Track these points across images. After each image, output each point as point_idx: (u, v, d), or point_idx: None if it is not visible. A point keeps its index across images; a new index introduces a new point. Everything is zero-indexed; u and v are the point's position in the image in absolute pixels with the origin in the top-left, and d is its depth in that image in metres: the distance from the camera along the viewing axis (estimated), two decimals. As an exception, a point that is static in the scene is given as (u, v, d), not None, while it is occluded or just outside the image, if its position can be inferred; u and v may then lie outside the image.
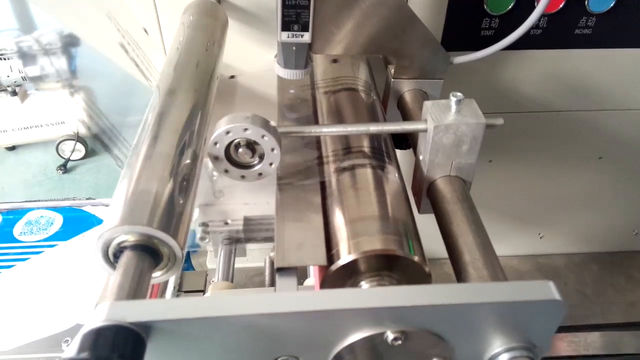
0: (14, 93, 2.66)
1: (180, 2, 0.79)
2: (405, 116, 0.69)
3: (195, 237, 0.99)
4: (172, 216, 0.43)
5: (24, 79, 2.65)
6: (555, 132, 1.04)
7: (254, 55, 0.84)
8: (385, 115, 0.70)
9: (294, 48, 0.61)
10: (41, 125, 2.75)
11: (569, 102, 0.98)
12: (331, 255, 0.46)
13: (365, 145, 0.59)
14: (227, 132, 0.51)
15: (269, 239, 1.00)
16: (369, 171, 0.55)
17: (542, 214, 1.20)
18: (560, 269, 1.24)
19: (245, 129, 0.51)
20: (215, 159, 0.52)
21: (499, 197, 1.13)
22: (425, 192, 0.58)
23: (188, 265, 1.21)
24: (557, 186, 1.15)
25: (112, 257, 0.43)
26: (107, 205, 1.14)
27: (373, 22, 0.63)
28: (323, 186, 0.54)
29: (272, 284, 0.98)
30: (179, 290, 1.08)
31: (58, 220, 1.16)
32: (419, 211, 0.60)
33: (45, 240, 1.10)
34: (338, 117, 0.63)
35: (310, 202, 0.52)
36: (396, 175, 0.56)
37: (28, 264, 1.07)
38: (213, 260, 1.17)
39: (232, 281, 0.97)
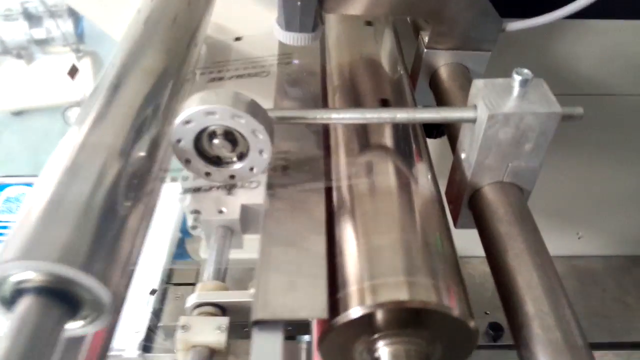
0: (20, 56, 2.53)
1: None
2: (441, 98, 0.53)
3: (186, 224, 0.86)
4: (102, 243, 0.29)
5: (29, 41, 2.51)
6: (608, 119, 0.86)
7: (254, 15, 0.68)
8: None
9: (298, 3, 0.45)
10: (47, 91, 2.62)
11: (630, 84, 0.81)
12: (335, 301, 0.31)
13: (388, 136, 0.43)
14: (188, 122, 0.35)
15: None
16: (392, 174, 0.39)
17: (582, 211, 1.04)
18: (598, 273, 1.08)
19: (212, 113, 0.35)
20: (186, 161, 0.37)
21: (534, 190, 0.96)
22: (467, 202, 0.43)
23: (182, 251, 1.08)
24: (601, 181, 0.98)
25: (10, 297, 0.28)
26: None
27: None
28: (329, 193, 0.39)
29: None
30: (168, 283, 0.95)
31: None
32: (455, 225, 0.45)
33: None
34: (354, 98, 0.48)
35: (311, 216, 0.37)
36: (429, 178, 0.41)
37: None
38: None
39: (224, 280, 0.84)
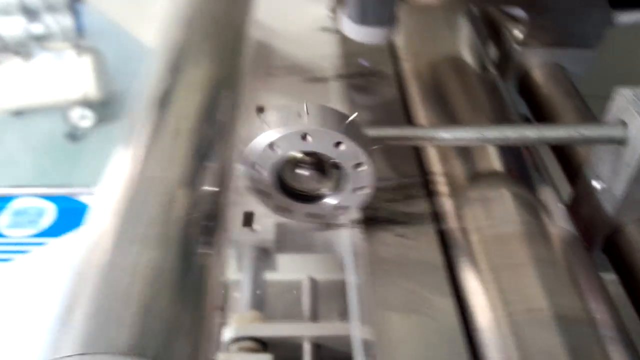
0: (17, 53, 2.45)
1: None
2: (539, 107, 0.45)
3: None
4: (180, 321, 0.21)
5: (28, 37, 2.43)
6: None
7: (294, 9, 0.60)
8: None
9: (378, -7, 0.37)
10: (46, 89, 2.55)
11: None
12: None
13: (497, 158, 0.35)
14: (272, 146, 0.27)
15: (308, 248, 0.78)
16: (516, 211, 0.31)
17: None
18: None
19: (304, 135, 0.27)
20: (259, 192, 0.29)
21: None
22: (601, 243, 0.34)
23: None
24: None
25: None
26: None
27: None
28: (440, 235, 0.31)
29: (314, 313, 0.76)
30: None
31: (50, 210, 0.96)
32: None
33: (34, 236, 0.90)
34: (445, 110, 0.39)
35: (426, 269, 0.28)
36: (560, 214, 0.32)
37: (11, 266, 0.87)
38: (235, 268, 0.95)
39: (261, 309, 0.76)
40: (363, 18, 0.38)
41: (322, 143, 0.27)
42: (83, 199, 0.95)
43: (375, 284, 0.29)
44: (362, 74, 0.44)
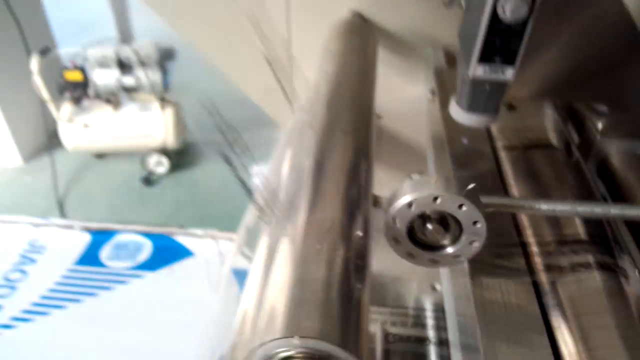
0: (108, 101, 2.70)
1: (320, 21, 0.66)
2: (614, 187, 0.52)
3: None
4: (349, 319, 0.29)
5: (119, 88, 2.68)
6: None
7: (399, 91, 0.70)
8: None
9: (487, 87, 0.46)
10: (130, 136, 2.77)
11: None
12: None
13: (584, 233, 0.42)
14: (410, 205, 0.36)
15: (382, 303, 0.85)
16: (599, 273, 0.38)
17: None
18: None
19: (436, 198, 0.36)
20: (394, 241, 0.38)
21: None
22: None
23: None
24: None
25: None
26: (199, 237, 1.05)
27: (586, 50, 0.47)
28: (535, 287, 0.38)
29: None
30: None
31: (147, 247, 1.07)
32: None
33: (133, 268, 1.01)
34: (535, 184, 0.47)
35: (526, 313, 0.36)
36: (635, 274, 0.39)
37: (112, 295, 0.98)
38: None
39: None
40: (472, 107, 0.47)
41: (448, 205, 0.36)
42: (177, 237, 1.05)
43: (480, 320, 0.36)
44: (463, 150, 0.53)
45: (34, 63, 2.47)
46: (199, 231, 1.10)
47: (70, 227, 1.08)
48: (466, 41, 0.45)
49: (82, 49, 2.59)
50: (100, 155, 2.98)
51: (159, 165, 2.88)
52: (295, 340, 0.27)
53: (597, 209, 0.38)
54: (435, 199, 0.36)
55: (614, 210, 0.38)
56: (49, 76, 2.56)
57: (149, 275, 1.02)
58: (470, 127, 0.49)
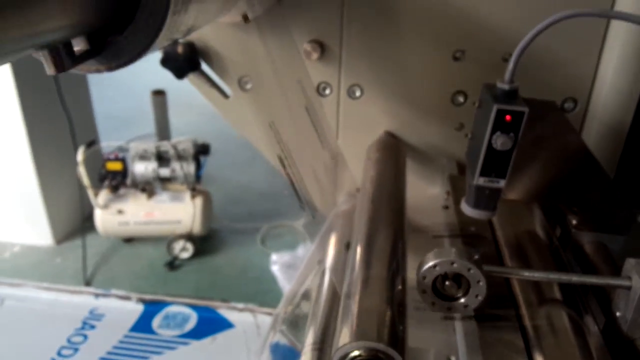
0: (143, 190, 2.95)
1: (362, 136, 0.89)
2: (586, 267, 0.71)
3: None
4: (396, 335, 0.48)
5: (155, 178, 2.94)
6: None
7: (421, 190, 0.91)
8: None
9: (487, 192, 0.67)
10: (160, 223, 2.98)
11: None
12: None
13: (557, 290, 0.61)
14: (435, 266, 0.55)
15: None
16: (568, 324, 0.56)
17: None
18: None
19: (452, 263, 0.55)
20: (422, 292, 0.56)
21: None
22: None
23: None
24: None
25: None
26: (240, 310, 1.20)
27: (558, 169, 0.68)
28: (522, 331, 0.56)
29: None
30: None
31: (193, 318, 1.23)
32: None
33: (180, 337, 1.16)
34: (524, 261, 0.66)
35: (511, 343, 0.54)
36: (596, 328, 0.57)
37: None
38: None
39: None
40: (477, 205, 0.68)
41: (461, 268, 0.55)
42: (220, 310, 1.20)
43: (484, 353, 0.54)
44: (471, 235, 0.72)
45: (80, 153, 2.75)
46: (239, 305, 1.26)
47: (127, 298, 1.23)
48: (471, 160, 0.66)
49: (126, 143, 2.89)
50: (129, 240, 3.18)
51: (184, 250, 3.06)
52: (361, 343, 0.45)
53: (563, 277, 0.57)
54: (452, 263, 0.55)
55: (575, 278, 0.57)
56: (91, 165, 2.83)
57: (195, 344, 1.17)
58: (476, 219, 0.69)
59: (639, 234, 0.74)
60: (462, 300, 0.56)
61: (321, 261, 0.98)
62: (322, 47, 0.86)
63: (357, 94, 0.90)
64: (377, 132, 0.90)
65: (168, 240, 3.06)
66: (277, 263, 2.95)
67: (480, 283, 0.55)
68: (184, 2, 0.48)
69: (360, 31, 0.85)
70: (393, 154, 0.83)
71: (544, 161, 0.67)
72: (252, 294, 2.68)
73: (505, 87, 0.61)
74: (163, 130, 3.21)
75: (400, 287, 0.54)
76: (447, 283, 0.56)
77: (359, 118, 0.91)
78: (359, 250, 0.59)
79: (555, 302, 0.59)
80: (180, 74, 0.86)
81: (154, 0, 0.42)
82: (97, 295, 1.19)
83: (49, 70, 0.37)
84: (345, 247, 0.82)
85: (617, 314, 0.58)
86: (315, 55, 0.86)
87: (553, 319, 0.56)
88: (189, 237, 3.04)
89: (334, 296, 0.78)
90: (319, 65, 0.88)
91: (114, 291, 1.24)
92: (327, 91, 0.90)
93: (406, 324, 0.51)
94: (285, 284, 2.76)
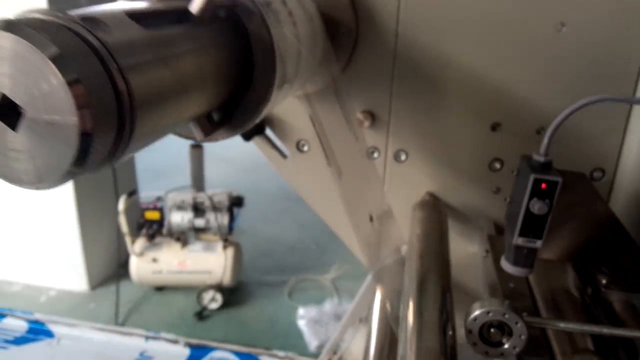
0: (178, 239, 3.08)
1: (408, 195, 0.99)
2: (615, 322, 0.78)
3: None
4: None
5: (189, 228, 3.07)
6: None
7: (460, 248, 1.00)
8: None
9: (525, 251, 0.75)
10: (192, 272, 3.09)
11: None
12: None
13: (590, 341, 0.68)
14: (488, 312, 0.64)
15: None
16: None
17: None
18: None
19: (504, 314, 0.64)
20: (469, 332, 0.65)
21: None
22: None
23: None
24: None
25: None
26: (281, 358, 1.27)
27: (588, 233, 0.77)
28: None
29: None
30: None
31: (237, 364, 1.30)
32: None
33: (222, 382, 1.23)
34: (558, 315, 0.74)
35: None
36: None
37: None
38: None
39: None
40: (516, 262, 0.76)
41: (510, 320, 0.63)
42: (262, 357, 1.27)
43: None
44: (510, 290, 0.81)
45: (122, 202, 2.90)
46: (280, 353, 1.33)
47: (175, 341, 1.31)
48: (510, 222, 0.76)
49: (165, 193, 3.04)
50: (160, 288, 3.28)
51: (213, 301, 3.14)
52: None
53: (595, 329, 0.65)
54: (504, 314, 0.63)
55: (606, 330, 0.65)
56: (129, 214, 2.98)
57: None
58: (515, 276, 0.78)
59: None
60: (501, 348, 0.64)
61: (363, 319, 1.07)
62: (372, 117, 0.98)
63: (403, 158, 1.01)
64: (420, 193, 1.00)
65: (198, 290, 3.15)
66: (304, 318, 3.01)
67: (522, 337, 0.63)
68: (279, 85, 0.60)
69: (406, 103, 0.97)
70: (436, 213, 0.93)
71: (575, 225, 0.76)
72: (278, 349, 2.73)
73: (541, 159, 0.71)
74: (198, 182, 3.37)
75: (450, 332, 0.63)
76: (492, 330, 0.64)
77: (404, 180, 1.01)
78: (411, 301, 0.68)
79: (588, 351, 0.67)
80: (248, 137, 0.98)
81: (262, 81, 0.56)
82: (147, 338, 1.27)
83: (199, 136, 0.49)
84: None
85: (645, 365, 0.66)
86: (367, 124, 0.98)
87: (587, 366, 0.64)
88: (219, 287, 3.12)
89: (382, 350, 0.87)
90: (369, 132, 0.99)
91: (163, 334, 1.32)
92: (376, 155, 1.02)
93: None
94: (312, 339, 2.81)
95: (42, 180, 0.38)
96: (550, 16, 0.86)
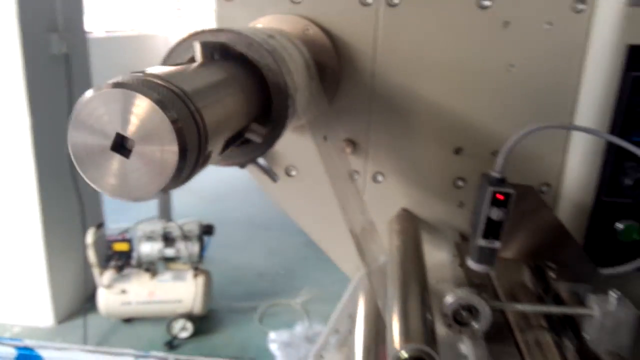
0: (147, 270, 3.14)
1: (385, 210, 1.16)
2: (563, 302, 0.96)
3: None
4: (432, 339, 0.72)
5: (159, 258, 3.14)
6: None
7: (432, 254, 1.17)
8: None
9: (487, 251, 0.93)
10: (162, 302, 3.14)
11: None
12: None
13: (544, 323, 0.86)
14: (460, 298, 0.81)
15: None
16: (550, 340, 0.81)
17: None
18: None
19: (473, 300, 0.80)
20: (445, 316, 0.81)
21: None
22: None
23: None
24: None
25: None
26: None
27: (539, 236, 0.95)
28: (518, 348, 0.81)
29: None
30: None
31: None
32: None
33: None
34: (516, 302, 0.92)
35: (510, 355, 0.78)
36: (572, 346, 0.82)
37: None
38: None
39: None
40: (479, 261, 0.94)
41: (479, 301, 0.80)
42: None
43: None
44: (476, 284, 0.98)
45: (90, 235, 2.96)
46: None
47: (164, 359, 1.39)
48: (474, 226, 0.93)
49: (133, 225, 3.11)
50: (129, 320, 3.31)
51: (184, 330, 3.20)
52: (409, 346, 0.70)
53: (544, 308, 0.83)
54: (463, 299, 0.80)
55: (554, 309, 0.82)
56: (97, 246, 3.03)
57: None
58: (479, 273, 0.95)
59: (599, 282, 1.01)
60: (474, 324, 0.81)
61: (352, 315, 1.22)
62: (353, 144, 1.15)
63: (380, 179, 1.18)
64: (395, 209, 1.17)
65: (168, 320, 3.20)
66: (275, 341, 3.11)
67: (487, 317, 0.80)
68: (289, 121, 0.76)
69: (383, 132, 1.15)
70: (411, 226, 1.10)
71: (528, 229, 0.94)
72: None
73: (497, 175, 0.90)
74: (165, 212, 3.45)
75: (430, 318, 0.79)
76: (463, 313, 0.81)
77: (381, 198, 1.18)
78: (396, 295, 0.83)
79: (541, 327, 0.84)
80: (243, 164, 1.13)
81: (278, 120, 0.72)
82: (137, 357, 1.33)
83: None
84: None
85: (587, 336, 0.84)
86: (348, 150, 1.15)
87: (540, 339, 0.81)
88: (190, 316, 3.19)
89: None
90: (351, 157, 1.16)
91: (154, 352, 1.40)
92: (356, 177, 1.18)
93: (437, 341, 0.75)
94: (284, 363, 2.91)
95: (141, 196, 0.52)
96: (502, 59, 1.06)
